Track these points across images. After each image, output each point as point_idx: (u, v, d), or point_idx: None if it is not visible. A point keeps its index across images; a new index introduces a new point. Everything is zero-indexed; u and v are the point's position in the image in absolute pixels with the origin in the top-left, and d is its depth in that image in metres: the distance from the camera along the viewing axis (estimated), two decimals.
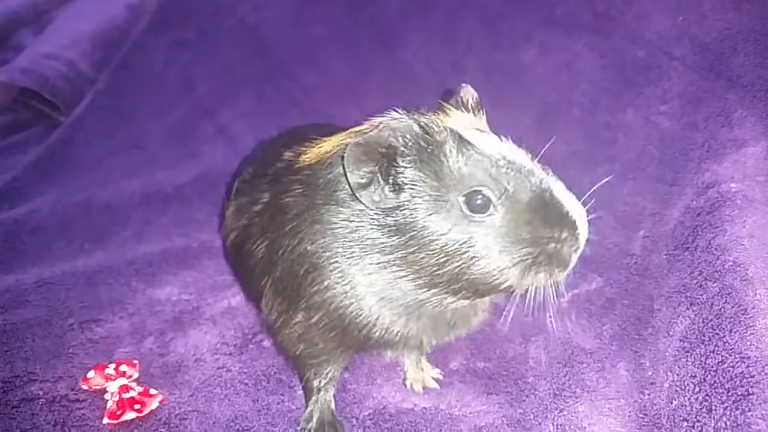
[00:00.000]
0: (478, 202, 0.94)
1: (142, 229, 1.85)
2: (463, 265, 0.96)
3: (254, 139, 1.97)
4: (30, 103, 2.48)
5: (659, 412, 1.13)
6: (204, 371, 1.31)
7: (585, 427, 1.12)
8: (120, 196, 1.98)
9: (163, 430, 1.16)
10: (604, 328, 1.34)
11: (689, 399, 1.07)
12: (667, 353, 1.19)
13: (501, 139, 1.00)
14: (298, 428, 1.17)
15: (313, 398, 1.19)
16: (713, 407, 1.02)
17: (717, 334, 1.11)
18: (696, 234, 1.32)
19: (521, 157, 0.98)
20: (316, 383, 1.18)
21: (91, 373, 1.26)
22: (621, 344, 1.30)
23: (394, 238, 0.98)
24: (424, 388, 1.27)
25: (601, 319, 1.36)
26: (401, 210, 0.97)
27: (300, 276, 1.06)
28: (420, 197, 0.96)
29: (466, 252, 0.95)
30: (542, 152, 1.03)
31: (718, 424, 0.99)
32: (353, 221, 1.00)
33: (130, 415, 1.18)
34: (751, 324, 1.08)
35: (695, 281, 1.24)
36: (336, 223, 1.01)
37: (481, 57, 2.00)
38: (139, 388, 1.24)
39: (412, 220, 0.96)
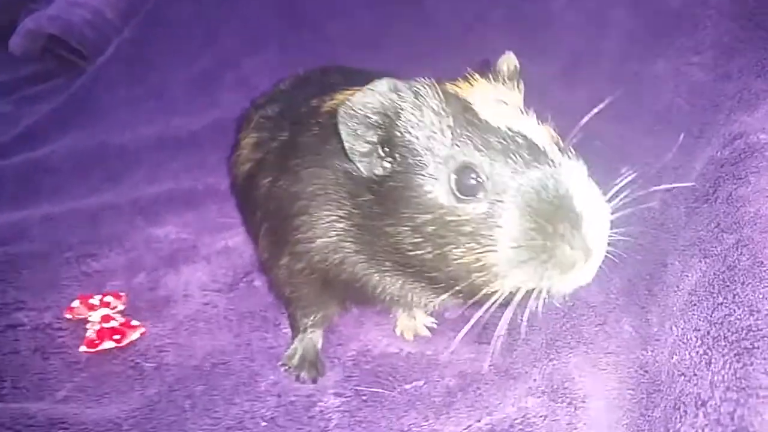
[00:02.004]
0: (470, 182, 0.82)
1: (154, 172, 1.84)
2: (439, 252, 0.84)
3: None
4: (57, 52, 2.49)
5: (660, 368, 1.04)
6: (190, 306, 1.28)
7: (574, 378, 1.05)
8: (136, 141, 1.98)
9: (139, 360, 1.14)
10: (612, 283, 1.26)
11: (690, 353, 0.98)
12: (674, 308, 1.11)
13: (525, 114, 0.87)
14: (278, 364, 1.14)
15: (300, 336, 1.15)
16: (712, 360, 0.93)
17: (728, 286, 1.02)
18: (717, 185, 1.23)
19: (537, 137, 0.83)
20: (304, 321, 1.14)
21: (75, 303, 1.25)
22: (628, 300, 1.23)
23: (382, 205, 0.89)
24: (414, 336, 1.21)
25: (610, 273, 1.27)
26: (392, 178, 0.87)
27: (290, 216, 1.01)
28: (411, 169, 0.85)
29: (444, 237, 0.83)
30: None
31: (716, 377, 0.90)
32: (352, 176, 0.93)
33: (108, 345, 1.16)
34: (766, 276, 0.98)
35: (711, 233, 1.15)
36: (338, 172, 0.95)
37: (508, 5, 1.92)
38: (121, 319, 1.22)
39: (398, 191, 0.86)
